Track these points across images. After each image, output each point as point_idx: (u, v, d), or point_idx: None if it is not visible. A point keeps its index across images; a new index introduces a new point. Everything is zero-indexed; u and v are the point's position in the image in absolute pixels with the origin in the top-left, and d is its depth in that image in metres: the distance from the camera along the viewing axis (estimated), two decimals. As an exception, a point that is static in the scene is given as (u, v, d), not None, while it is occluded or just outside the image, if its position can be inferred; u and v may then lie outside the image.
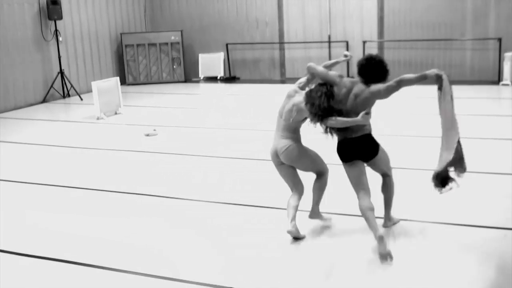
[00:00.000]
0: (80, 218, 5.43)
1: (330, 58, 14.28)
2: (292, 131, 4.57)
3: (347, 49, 14.03)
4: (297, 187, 4.70)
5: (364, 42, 13.64)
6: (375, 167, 4.61)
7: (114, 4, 14.95)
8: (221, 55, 15.22)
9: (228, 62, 15.27)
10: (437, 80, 4.50)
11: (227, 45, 15.20)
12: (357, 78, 4.42)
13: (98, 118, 10.25)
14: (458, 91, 12.20)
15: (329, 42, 14.34)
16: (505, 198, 5.43)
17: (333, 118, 4.24)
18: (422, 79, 4.43)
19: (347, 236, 4.70)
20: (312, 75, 4.58)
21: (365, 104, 4.28)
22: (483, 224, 4.82)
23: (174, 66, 15.30)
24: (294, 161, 4.59)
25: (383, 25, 13.80)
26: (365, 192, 4.39)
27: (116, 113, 10.75)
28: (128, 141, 8.59)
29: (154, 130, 9.00)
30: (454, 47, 13.30)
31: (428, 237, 4.66)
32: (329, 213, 5.03)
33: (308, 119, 4.41)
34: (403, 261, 4.22)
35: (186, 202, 5.75)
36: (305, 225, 4.86)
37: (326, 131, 4.39)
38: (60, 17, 12.73)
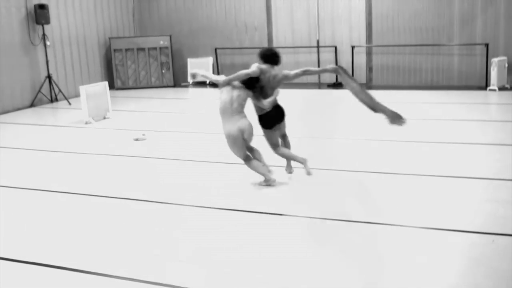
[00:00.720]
0: (67, 223, 5.40)
1: (319, 63, 14.35)
2: (243, 111, 6.03)
3: (336, 54, 14.09)
4: (252, 152, 6.22)
5: (352, 47, 13.71)
6: (279, 130, 6.20)
7: (102, 8, 14.92)
8: (210, 60, 15.23)
9: (217, 67, 15.27)
10: (336, 72, 6.19)
11: (216, 49, 15.21)
12: (267, 66, 6.20)
13: (86, 123, 10.21)
14: (445, 96, 12.39)
15: (318, 47, 14.38)
16: (489, 203, 5.46)
17: (267, 100, 6.04)
18: (323, 72, 6.53)
19: (344, 240, 4.72)
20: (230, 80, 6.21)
21: (279, 83, 6.20)
22: (469, 229, 4.84)
23: (163, 71, 15.28)
24: (252, 134, 6.03)
25: (371, 30, 13.88)
26: (279, 145, 6.26)
27: (104, 118, 10.72)
28: (117, 146, 8.56)
29: (143, 134, 8.98)
30: (442, 52, 13.39)
31: (414, 242, 4.67)
32: (327, 218, 5.03)
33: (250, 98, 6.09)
34: (390, 266, 4.24)
35: (175, 206, 5.74)
36: (302, 228, 4.85)
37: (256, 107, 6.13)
38: (48, 22, 12.69)
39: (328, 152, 7.81)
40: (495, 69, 12.23)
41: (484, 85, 12.72)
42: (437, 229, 4.90)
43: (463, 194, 5.83)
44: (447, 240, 4.71)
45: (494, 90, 12.26)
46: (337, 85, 13.59)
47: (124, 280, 4.16)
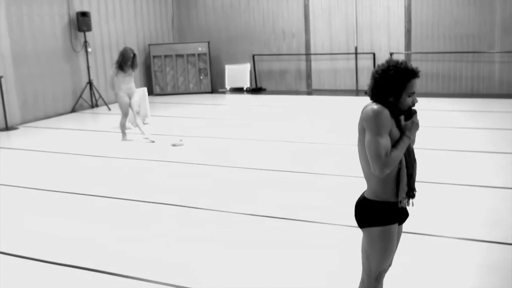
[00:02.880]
0: (103, 227, 5.49)
1: (356, 70, 14.28)
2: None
3: (374, 61, 14.00)
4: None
5: (391, 54, 13.59)
6: None
7: (142, 15, 15.16)
8: (247, 66, 15.30)
9: (254, 73, 15.33)
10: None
11: (253, 56, 15.28)
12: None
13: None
14: (485, 104, 12.14)
15: (356, 53, 14.31)
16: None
17: None
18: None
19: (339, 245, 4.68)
20: None
21: None
22: (490, 239, 4.75)
23: (201, 77, 15.41)
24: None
25: (410, 37, 13.74)
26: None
27: (143, 123, 10.85)
28: (155, 151, 8.67)
29: (181, 140, 9.07)
30: (483, 59, 13.17)
31: (433, 251, 4.62)
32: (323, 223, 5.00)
33: None
34: (408, 274, 4.19)
35: (212, 212, 5.78)
36: (298, 231, 4.84)
37: None
38: (90, 29, 12.95)
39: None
40: (538, 77, 11.97)
41: (526, 93, 12.46)
42: (458, 238, 4.84)
43: (487, 203, 5.71)
44: (466, 249, 4.64)
45: (537, 98, 12.00)
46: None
47: (144, 282, 4.22)
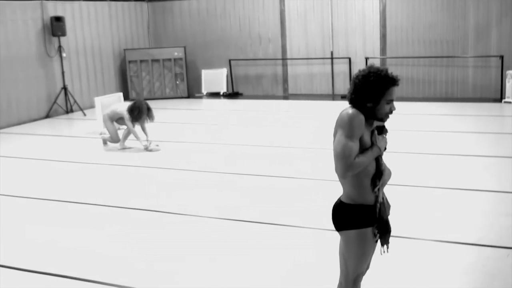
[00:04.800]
0: (78, 232, 5.43)
1: (332, 74, 14.36)
2: None
3: (350, 66, 14.09)
4: None
5: (366, 59, 13.69)
6: None
7: (117, 20, 15.05)
8: (224, 71, 15.28)
9: (231, 78, 15.32)
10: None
11: (230, 61, 15.27)
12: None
13: (101, 134, 10.26)
14: (460, 108, 12.29)
15: (332, 58, 14.39)
16: (504, 216, 5.41)
17: None
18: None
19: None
20: None
21: None
22: (484, 243, 4.80)
23: (177, 82, 15.35)
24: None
25: (385, 42, 13.86)
26: None
27: (119, 129, 10.75)
28: (130, 156, 8.61)
29: (157, 145, 9.02)
30: (456, 64, 13.33)
31: (428, 256, 4.64)
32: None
33: None
34: (402, 279, 4.21)
35: (183, 217, 5.75)
36: (292, 237, 4.84)
37: None
38: (64, 34, 12.82)
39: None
40: (510, 81, 12.14)
41: (499, 98, 12.62)
42: (452, 242, 4.87)
43: (478, 207, 5.78)
44: (460, 253, 4.67)
45: (509, 102, 12.17)
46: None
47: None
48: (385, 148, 3.06)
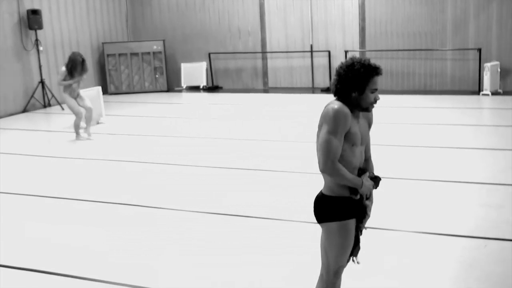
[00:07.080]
0: (58, 228, 5.37)
1: (312, 67, 14.37)
2: None
3: (329, 59, 14.12)
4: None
5: (346, 52, 13.72)
6: None
7: (95, 13, 14.90)
8: (203, 65, 15.22)
9: (210, 72, 15.26)
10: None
11: (209, 54, 15.20)
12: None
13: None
14: (438, 100, 12.39)
15: (311, 51, 14.40)
16: (481, 207, 5.47)
17: None
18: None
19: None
20: None
21: None
22: (462, 234, 4.84)
23: (157, 76, 15.26)
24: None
25: (364, 35, 13.90)
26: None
27: (98, 123, 10.68)
28: (110, 151, 8.54)
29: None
30: (435, 57, 13.43)
31: (407, 247, 4.67)
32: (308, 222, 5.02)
33: None
34: (382, 270, 4.23)
35: (167, 211, 5.72)
36: (290, 234, 4.83)
37: None
38: (41, 27, 12.66)
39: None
40: (488, 74, 12.26)
41: (477, 90, 12.74)
42: (429, 233, 4.90)
43: (456, 198, 5.83)
44: (439, 244, 4.71)
45: (487, 94, 12.29)
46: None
47: None
48: (368, 195, 3.10)
